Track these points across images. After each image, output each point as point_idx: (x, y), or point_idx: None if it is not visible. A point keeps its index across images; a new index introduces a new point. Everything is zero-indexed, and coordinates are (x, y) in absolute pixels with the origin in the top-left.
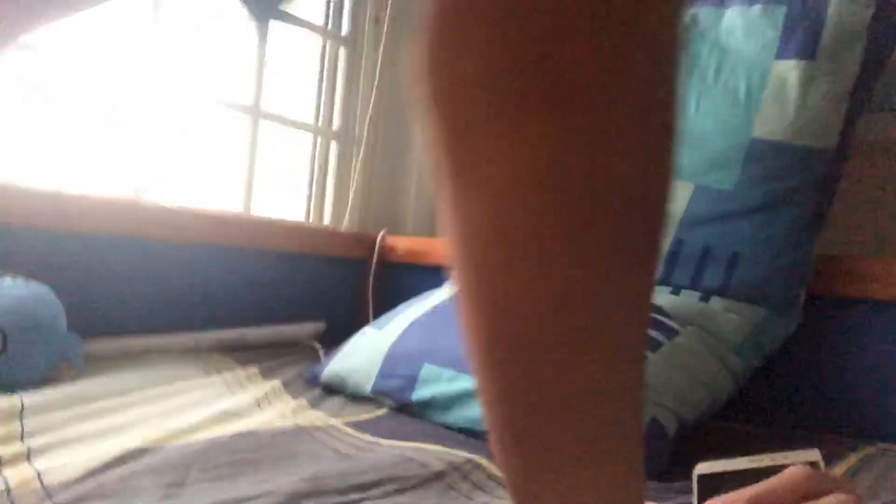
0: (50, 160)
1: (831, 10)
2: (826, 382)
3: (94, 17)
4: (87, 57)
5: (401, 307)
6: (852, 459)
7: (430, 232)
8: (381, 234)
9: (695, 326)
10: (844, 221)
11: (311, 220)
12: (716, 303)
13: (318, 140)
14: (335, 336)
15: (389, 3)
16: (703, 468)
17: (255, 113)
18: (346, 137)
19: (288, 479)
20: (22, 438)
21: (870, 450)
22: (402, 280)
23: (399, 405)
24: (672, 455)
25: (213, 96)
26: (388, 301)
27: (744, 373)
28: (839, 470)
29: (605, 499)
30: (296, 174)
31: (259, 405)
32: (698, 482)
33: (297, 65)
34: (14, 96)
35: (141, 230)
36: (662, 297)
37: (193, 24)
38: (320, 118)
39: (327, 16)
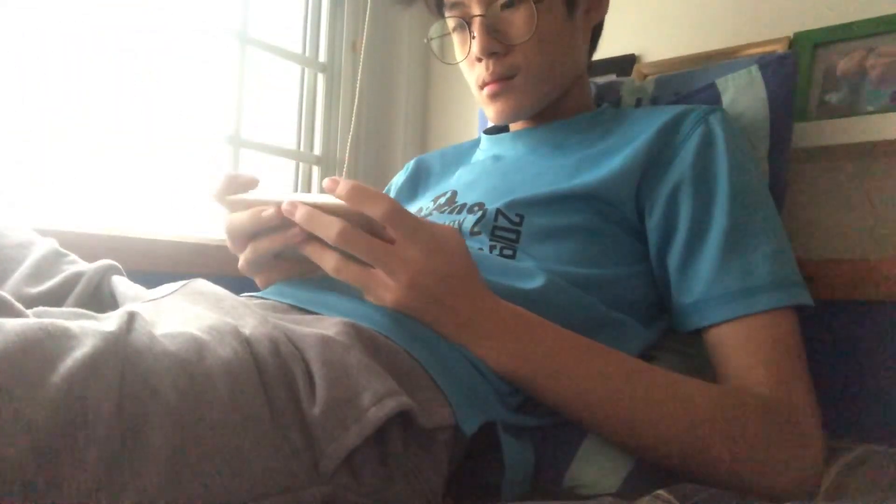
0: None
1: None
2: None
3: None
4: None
5: None
6: (842, 461)
7: None
8: None
9: None
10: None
11: None
12: None
13: (301, 166)
14: None
15: (366, 28)
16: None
17: (237, 142)
18: (327, 162)
19: None
20: None
21: (858, 451)
22: None
23: None
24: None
25: (194, 127)
26: None
27: None
28: (832, 472)
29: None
30: None
31: None
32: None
33: (277, 92)
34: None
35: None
36: None
37: (174, 56)
38: (301, 144)
39: (304, 43)
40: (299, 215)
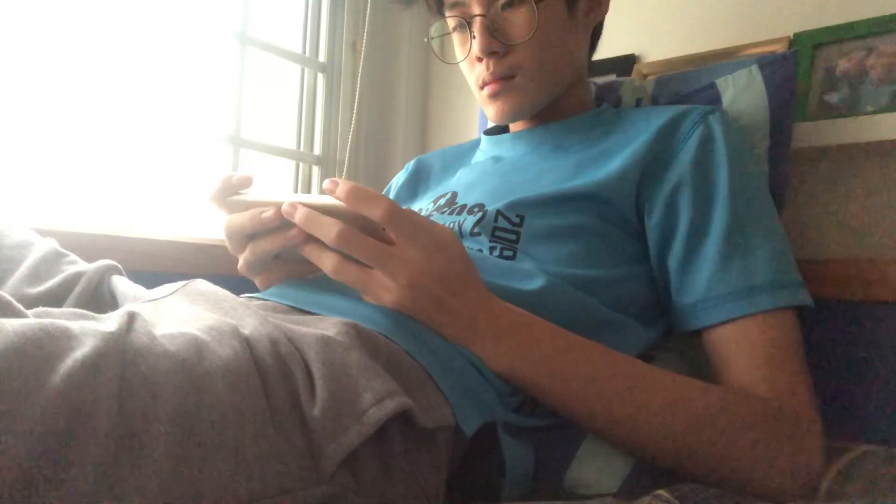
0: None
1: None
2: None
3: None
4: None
5: None
6: (842, 462)
7: None
8: None
9: None
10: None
11: None
12: None
13: (301, 166)
14: None
15: (366, 28)
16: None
17: (237, 142)
18: (327, 162)
19: None
20: None
21: (858, 451)
22: None
23: None
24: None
25: (195, 127)
26: None
27: None
28: (832, 473)
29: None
30: None
31: None
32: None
33: (277, 92)
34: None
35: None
36: None
37: (174, 56)
38: (301, 144)
39: (304, 43)
40: (298, 217)
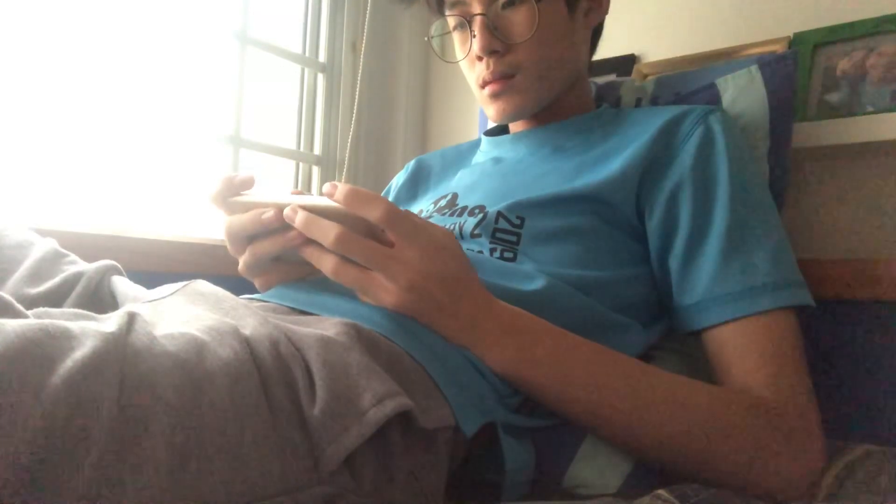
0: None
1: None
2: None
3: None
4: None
5: None
6: (842, 462)
7: None
8: None
9: None
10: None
11: None
12: None
13: (301, 166)
14: None
15: (366, 28)
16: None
17: (237, 142)
18: (327, 162)
19: None
20: None
21: (858, 451)
22: None
23: None
24: None
25: (195, 127)
26: None
27: None
28: (832, 473)
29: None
30: None
31: None
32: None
33: (277, 92)
34: None
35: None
36: None
37: (174, 56)
38: (301, 144)
39: (304, 43)
40: (298, 221)
